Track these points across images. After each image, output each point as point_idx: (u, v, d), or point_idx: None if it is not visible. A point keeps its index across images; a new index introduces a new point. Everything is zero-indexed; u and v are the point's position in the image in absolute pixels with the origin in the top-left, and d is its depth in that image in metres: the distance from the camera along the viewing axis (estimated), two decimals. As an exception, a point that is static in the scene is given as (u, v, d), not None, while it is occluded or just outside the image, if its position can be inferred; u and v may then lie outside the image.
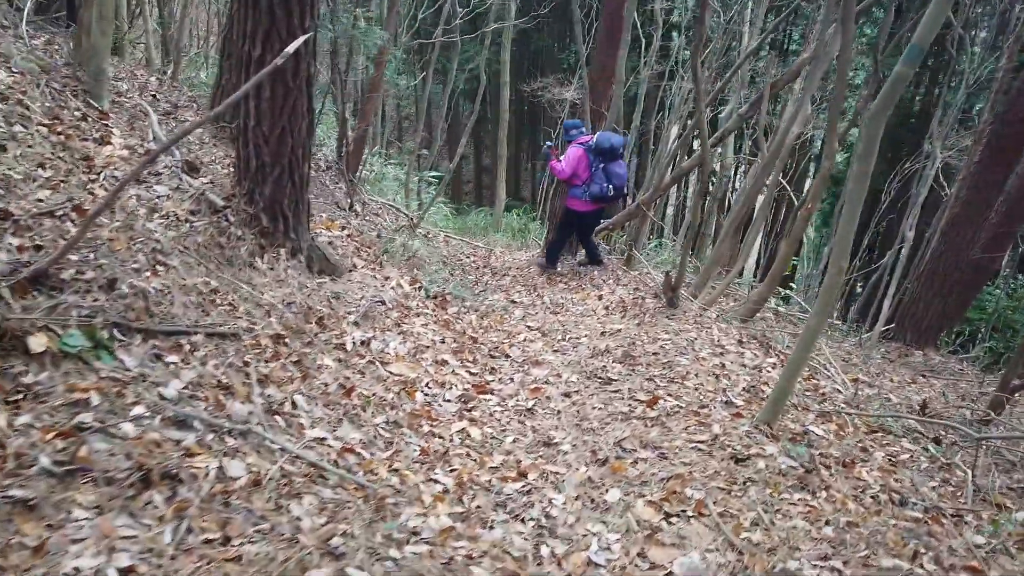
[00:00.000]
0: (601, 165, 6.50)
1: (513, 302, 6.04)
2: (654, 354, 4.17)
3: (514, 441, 3.12)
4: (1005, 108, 7.11)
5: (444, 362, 3.77)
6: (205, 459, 2.09)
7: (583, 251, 7.90)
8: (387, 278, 4.47)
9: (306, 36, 3.15)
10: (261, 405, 2.54)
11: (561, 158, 6.68)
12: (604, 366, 4.01)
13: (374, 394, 3.03)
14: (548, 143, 7.39)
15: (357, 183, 7.86)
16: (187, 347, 2.58)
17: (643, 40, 13.13)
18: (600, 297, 6.26)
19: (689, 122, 13.69)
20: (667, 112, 16.14)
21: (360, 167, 7.84)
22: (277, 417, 2.56)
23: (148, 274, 2.73)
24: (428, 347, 3.85)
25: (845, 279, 10.82)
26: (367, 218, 7.43)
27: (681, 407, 3.39)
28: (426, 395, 3.35)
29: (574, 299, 6.29)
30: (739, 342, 4.75)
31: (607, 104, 8.02)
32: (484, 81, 12.65)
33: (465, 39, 20.00)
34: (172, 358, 2.47)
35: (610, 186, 6.50)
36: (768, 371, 4.32)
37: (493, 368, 3.94)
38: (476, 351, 4.10)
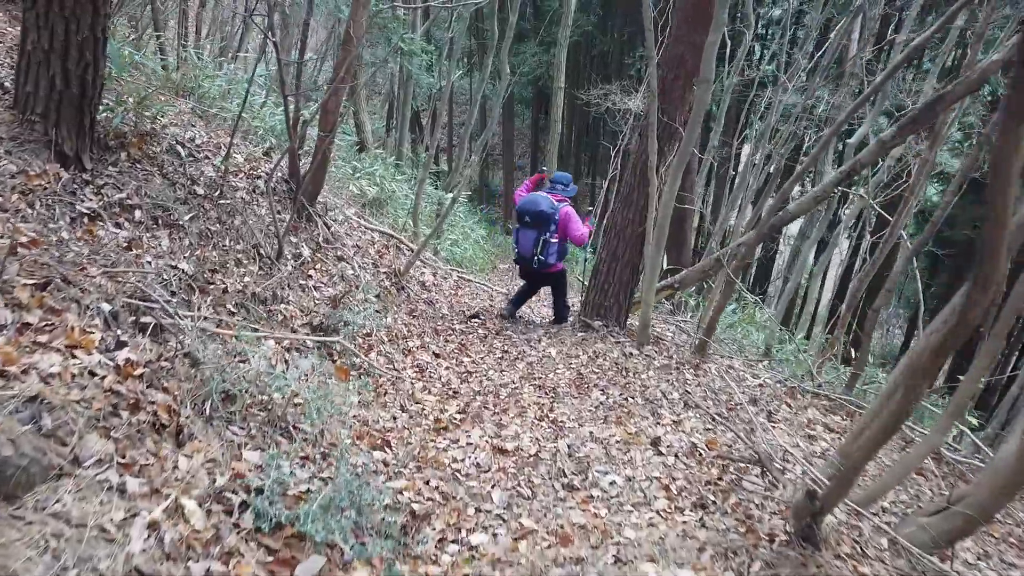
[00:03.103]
0: (516, 227, 5.79)
1: (502, 451, 3.32)
2: None
3: None
4: None
5: None
6: None
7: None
8: (155, 491, 1.85)
9: None
10: None
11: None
12: None
13: None
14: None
15: (317, 212, 5.31)
16: None
17: (728, 41, 10.23)
18: (657, 443, 3.51)
19: (771, 146, 10.61)
20: (752, 129, 13.09)
21: (320, 189, 5.26)
22: None
23: None
24: None
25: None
26: (319, 268, 4.86)
27: None
28: None
29: (612, 438, 3.56)
30: None
31: (684, 114, 5.23)
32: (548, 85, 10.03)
33: (518, 40, 17.39)
34: None
35: (516, 250, 5.79)
36: None
37: None
38: None
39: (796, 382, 5.29)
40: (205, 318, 2.78)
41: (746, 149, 19.94)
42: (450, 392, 4.22)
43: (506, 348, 5.44)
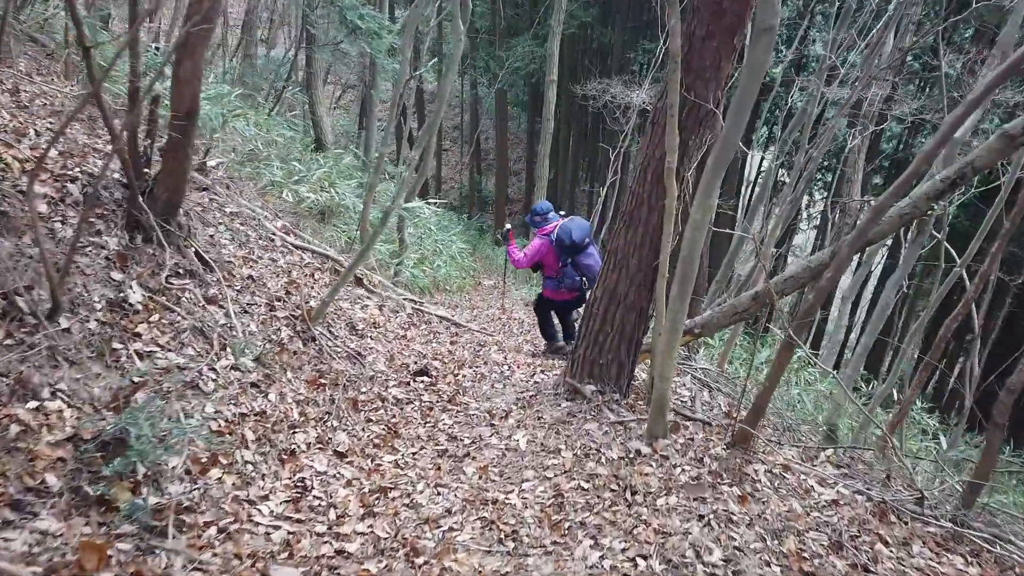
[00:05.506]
0: (568, 260, 5.04)
1: None
2: None
3: None
4: None
5: None
6: None
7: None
8: None
9: None
10: None
11: (524, 248, 5.24)
12: None
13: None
14: (508, 225, 6.10)
15: (175, 231, 3.48)
16: None
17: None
18: None
19: (810, 148, 8.75)
20: (759, 136, 11.22)
21: (180, 197, 3.44)
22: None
23: None
24: None
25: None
26: (157, 320, 3.05)
27: None
28: None
29: None
30: None
31: (722, 90, 3.43)
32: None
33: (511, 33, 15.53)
34: None
35: (584, 279, 5.04)
36: None
37: None
38: None
39: (883, 491, 3.47)
40: None
41: (755, 157, 18.05)
42: (330, 552, 2.39)
43: (455, 432, 3.63)
